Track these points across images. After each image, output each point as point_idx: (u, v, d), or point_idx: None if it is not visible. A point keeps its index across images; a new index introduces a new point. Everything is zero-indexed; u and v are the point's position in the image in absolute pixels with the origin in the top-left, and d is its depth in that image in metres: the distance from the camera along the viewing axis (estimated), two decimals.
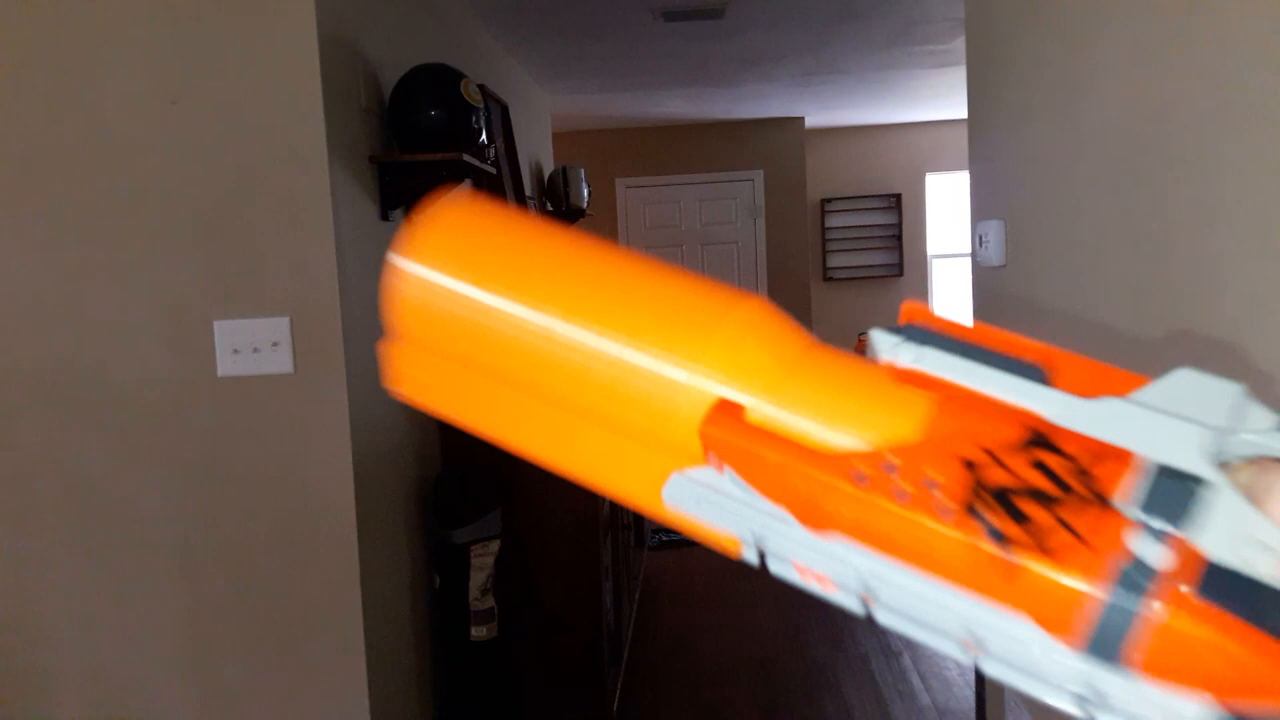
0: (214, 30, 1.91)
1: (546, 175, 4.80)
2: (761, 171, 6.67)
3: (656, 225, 6.71)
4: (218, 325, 1.97)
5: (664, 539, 4.91)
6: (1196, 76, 1.16)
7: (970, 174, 2.14)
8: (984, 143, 2.05)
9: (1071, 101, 1.56)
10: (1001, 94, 1.92)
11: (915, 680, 3.18)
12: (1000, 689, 2.23)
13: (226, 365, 1.97)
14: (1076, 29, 1.51)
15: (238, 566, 2.00)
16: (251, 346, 1.98)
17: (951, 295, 7.40)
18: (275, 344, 1.97)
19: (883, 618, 0.30)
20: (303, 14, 1.92)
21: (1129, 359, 1.39)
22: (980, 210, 2.07)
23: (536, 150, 4.75)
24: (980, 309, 2.14)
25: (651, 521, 5.03)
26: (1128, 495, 0.27)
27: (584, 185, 4.68)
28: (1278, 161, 1.00)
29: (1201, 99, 1.15)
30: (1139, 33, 1.30)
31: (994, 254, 1.96)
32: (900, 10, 3.85)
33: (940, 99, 6.14)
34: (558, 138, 6.56)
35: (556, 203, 4.60)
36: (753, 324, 0.34)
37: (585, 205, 4.69)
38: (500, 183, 3.46)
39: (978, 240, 2.06)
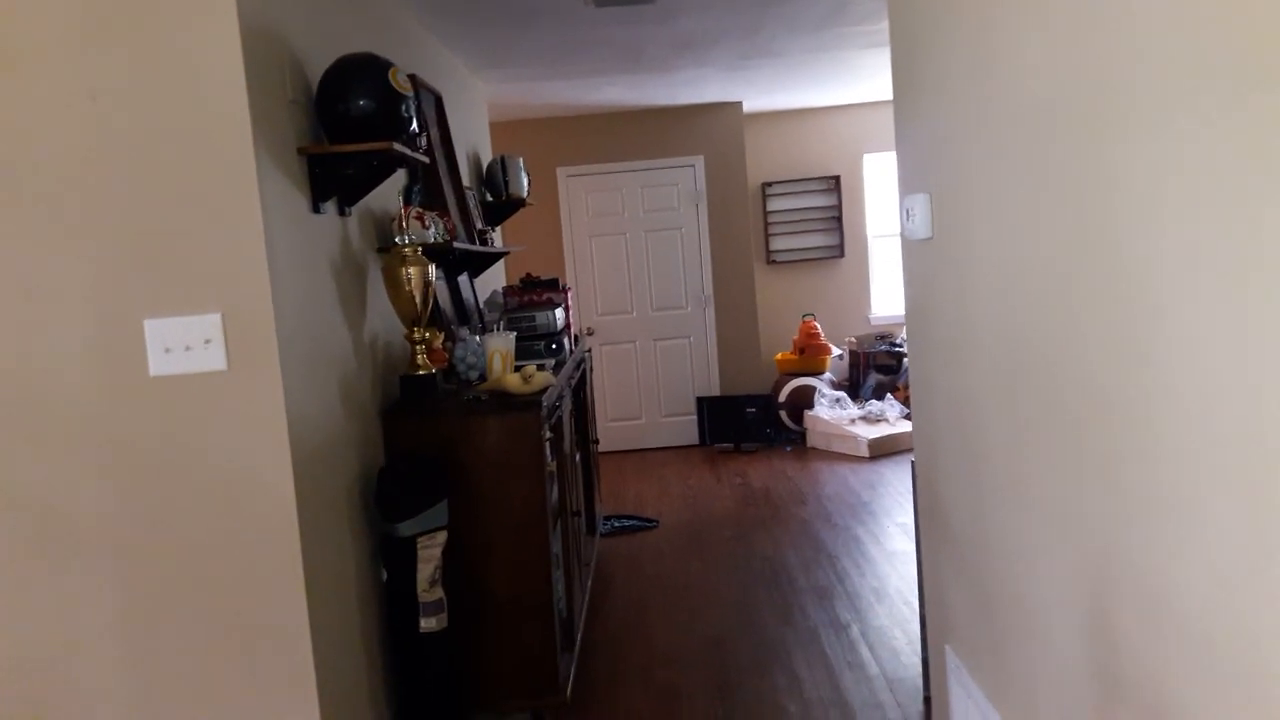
0: (133, 23, 1.87)
1: (485, 165, 4.78)
2: (702, 157, 6.70)
3: (599, 213, 6.71)
4: (148, 324, 1.93)
5: (616, 525, 4.93)
6: (1096, 40, 1.20)
7: (897, 150, 2.18)
8: (908, 118, 2.09)
9: (987, 75, 1.60)
10: (923, 70, 1.96)
11: (864, 651, 3.24)
12: (943, 657, 2.28)
13: (159, 364, 1.94)
14: (989, 4, 1.55)
15: (177, 569, 1.98)
16: (183, 345, 1.95)
17: (892, 274, 7.51)
18: (208, 341, 1.94)
19: None
20: (224, 5, 1.88)
21: (1052, 322, 1.43)
22: (907, 185, 2.12)
23: (474, 140, 4.72)
24: (911, 282, 2.18)
25: (603, 508, 5.04)
26: None
27: (523, 174, 4.66)
28: (1176, 117, 1.04)
29: (1103, 66, 1.19)
30: (1044, 6, 1.34)
31: (921, 227, 2.01)
32: None
33: (875, 80, 6.22)
34: (496, 127, 6.51)
35: (496, 192, 4.57)
36: None
37: (525, 195, 4.68)
38: (435, 172, 3.44)
39: (905, 214, 2.11)
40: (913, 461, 2.52)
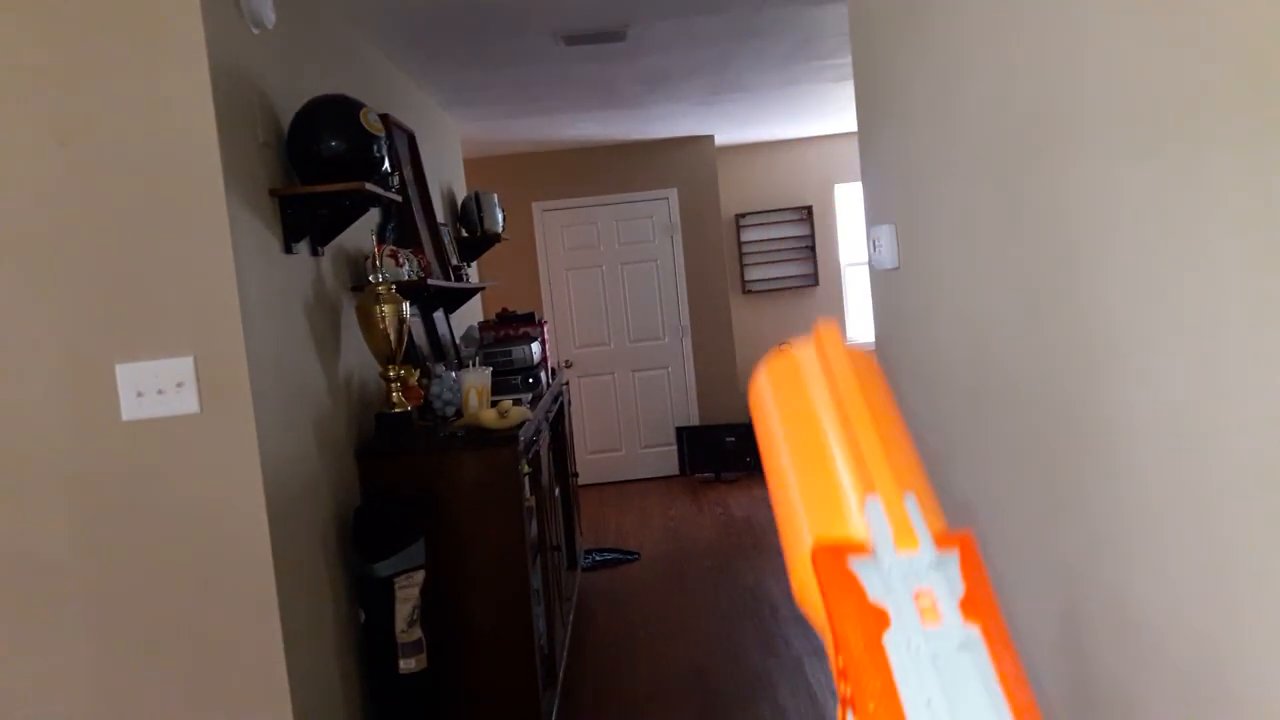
0: (102, 67, 1.88)
1: (459, 201, 4.80)
2: (675, 190, 6.76)
3: (575, 246, 6.74)
4: (120, 369, 1.93)
5: (597, 559, 4.91)
6: (1051, 79, 1.24)
7: (863, 182, 2.22)
8: (873, 151, 2.13)
9: (947, 108, 1.64)
10: (886, 103, 2.00)
11: None
12: None
13: (131, 409, 1.93)
14: (947, 42, 1.59)
15: (151, 614, 1.95)
16: (156, 388, 1.94)
17: (867, 301, 7.58)
18: (180, 384, 1.94)
19: None
20: (193, 49, 1.90)
21: (1016, 348, 1.46)
22: (873, 216, 2.15)
23: (448, 176, 4.74)
24: (879, 311, 2.21)
25: (584, 542, 5.02)
26: None
27: (498, 210, 4.68)
28: (1121, 151, 1.07)
29: (1056, 100, 1.23)
30: (1000, 43, 1.38)
31: (887, 257, 2.04)
32: (796, 27, 3.97)
33: (843, 112, 6.32)
34: (471, 164, 6.55)
35: (471, 228, 4.59)
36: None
37: (500, 230, 4.70)
38: (409, 210, 3.46)
39: (872, 245, 2.14)
40: None
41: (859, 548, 0.45)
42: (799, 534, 0.49)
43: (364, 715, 2.46)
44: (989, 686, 0.41)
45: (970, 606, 0.44)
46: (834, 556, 0.45)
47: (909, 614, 0.43)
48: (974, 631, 0.43)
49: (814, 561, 0.45)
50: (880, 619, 0.42)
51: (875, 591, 0.43)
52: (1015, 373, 1.45)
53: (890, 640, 0.42)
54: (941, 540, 0.46)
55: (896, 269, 2.03)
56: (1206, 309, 0.95)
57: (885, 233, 2.04)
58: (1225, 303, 0.92)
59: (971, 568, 0.45)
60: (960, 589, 0.44)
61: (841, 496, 0.48)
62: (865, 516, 0.46)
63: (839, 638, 0.43)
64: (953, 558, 0.45)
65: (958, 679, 0.41)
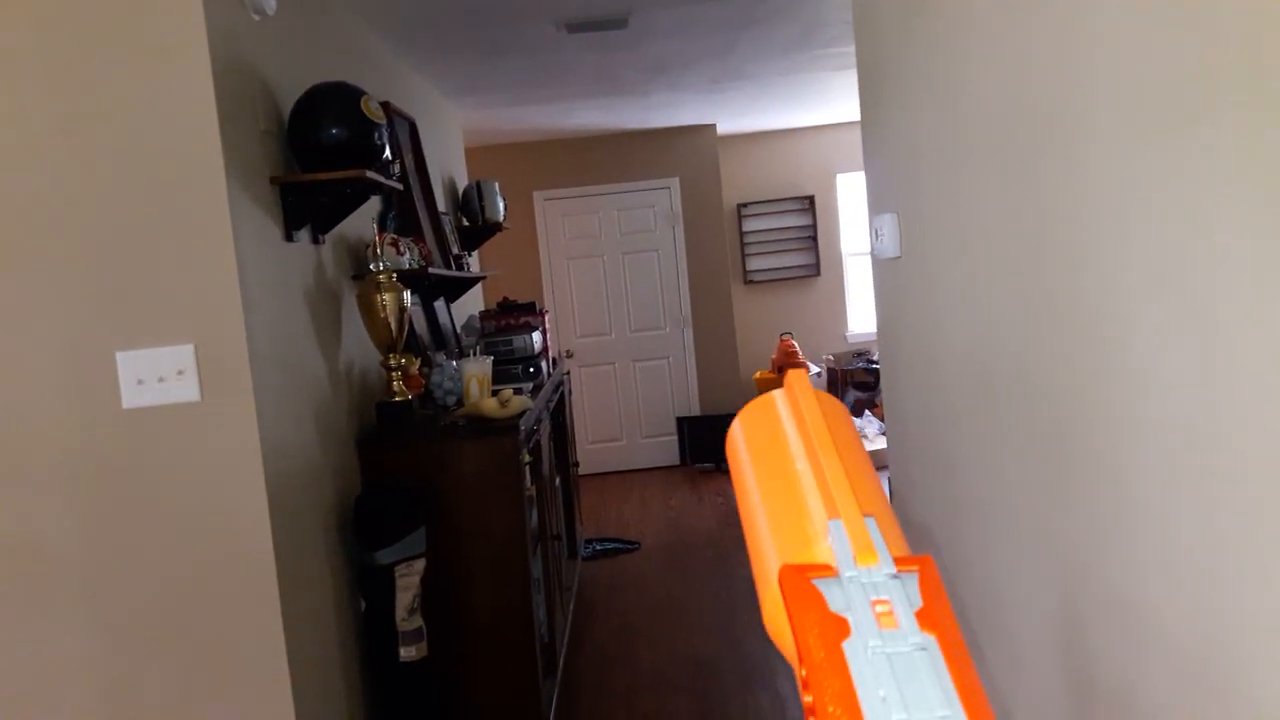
0: (103, 56, 1.88)
1: (461, 190, 4.79)
2: (677, 179, 6.74)
3: (576, 236, 6.73)
4: (120, 356, 1.92)
5: (597, 548, 4.92)
6: (1059, 68, 1.23)
7: (865, 171, 2.21)
8: (876, 140, 2.12)
9: (952, 97, 1.63)
10: (889, 93, 1.99)
11: None
12: None
13: (131, 397, 1.93)
14: (953, 28, 1.58)
15: (151, 602, 1.96)
16: (156, 376, 1.94)
17: (868, 292, 7.56)
18: (180, 372, 1.94)
19: None
20: (194, 37, 1.89)
21: (1021, 338, 1.45)
22: (875, 205, 2.15)
23: (449, 165, 4.73)
24: (881, 301, 2.21)
25: (584, 531, 5.03)
26: None
27: (499, 198, 4.67)
28: (1130, 141, 1.07)
29: (1064, 89, 1.22)
30: (1007, 31, 1.37)
31: (889, 246, 2.03)
32: (799, 15, 3.95)
33: (846, 101, 6.29)
34: (472, 152, 6.53)
35: (472, 217, 4.58)
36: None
37: (502, 219, 4.69)
38: (410, 198, 3.45)
39: (874, 234, 2.13)
40: (889, 477, 2.53)
41: (823, 569, 0.47)
42: (768, 563, 0.50)
43: (364, 703, 2.46)
44: (942, 681, 0.42)
45: (928, 619, 0.45)
46: (798, 575, 0.47)
47: (867, 620, 0.44)
48: (930, 638, 0.44)
49: (780, 581, 0.47)
50: (840, 627, 0.44)
51: (836, 604, 0.45)
52: (1019, 363, 1.45)
53: (849, 646, 0.43)
54: (902, 562, 0.47)
55: (899, 258, 2.02)
56: (1216, 301, 0.95)
57: (888, 221, 2.03)
58: (1235, 295, 0.92)
59: (931, 586, 0.47)
60: (918, 602, 0.46)
61: (808, 525, 0.49)
62: (829, 539, 0.48)
63: (802, 649, 0.44)
64: (912, 576, 0.47)
65: (911, 675, 0.42)
